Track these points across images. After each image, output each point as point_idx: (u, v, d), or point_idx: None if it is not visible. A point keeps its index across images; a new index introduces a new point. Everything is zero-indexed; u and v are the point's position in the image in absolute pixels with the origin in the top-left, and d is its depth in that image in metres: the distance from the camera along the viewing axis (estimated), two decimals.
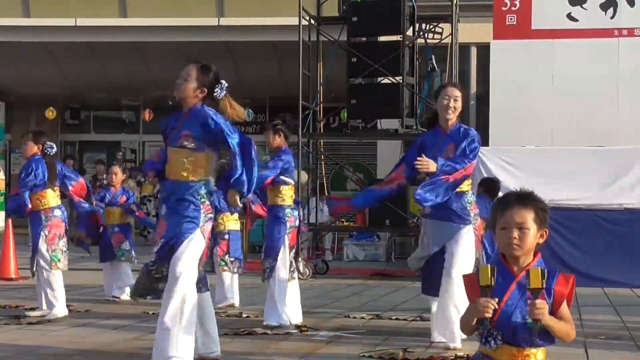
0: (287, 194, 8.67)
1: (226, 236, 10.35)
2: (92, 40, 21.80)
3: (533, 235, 3.98)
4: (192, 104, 6.18)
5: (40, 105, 24.74)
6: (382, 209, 14.66)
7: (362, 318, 9.20)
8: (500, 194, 9.68)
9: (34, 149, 9.45)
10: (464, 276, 4.22)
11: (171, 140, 6.26)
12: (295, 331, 8.18)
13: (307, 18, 15.33)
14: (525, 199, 4.03)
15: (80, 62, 22.91)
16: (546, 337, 3.91)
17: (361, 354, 6.98)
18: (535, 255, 4.03)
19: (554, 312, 3.90)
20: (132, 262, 11.07)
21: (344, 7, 15.80)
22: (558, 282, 3.94)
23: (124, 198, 11.25)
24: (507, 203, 4.05)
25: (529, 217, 3.97)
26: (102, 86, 24.62)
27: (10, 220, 12.95)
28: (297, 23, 14.92)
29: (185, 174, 6.12)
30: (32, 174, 9.28)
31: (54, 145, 9.69)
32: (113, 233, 10.95)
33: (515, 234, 3.97)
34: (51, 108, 23.57)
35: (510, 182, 12.40)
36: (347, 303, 10.76)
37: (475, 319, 3.91)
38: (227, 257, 10.33)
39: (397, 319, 9.16)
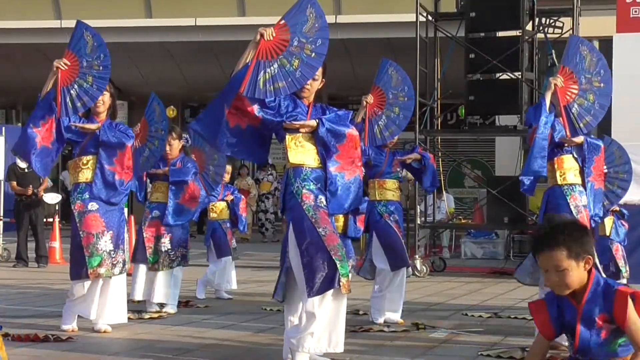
0: None
1: None
2: (211, 39, 22.11)
3: (574, 271, 3.82)
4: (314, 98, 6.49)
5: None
6: (501, 206, 14.50)
7: (480, 316, 9.09)
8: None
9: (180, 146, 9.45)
10: (530, 304, 4.08)
11: None
12: (412, 329, 8.14)
13: (424, 14, 15.24)
14: (552, 238, 3.83)
15: (199, 62, 23.28)
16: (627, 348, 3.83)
17: (479, 353, 6.90)
18: (589, 275, 3.87)
19: (622, 328, 3.79)
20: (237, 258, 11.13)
21: (462, 3, 15.65)
22: (616, 301, 3.79)
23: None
24: (536, 247, 3.89)
25: (562, 257, 3.80)
26: (221, 85, 24.79)
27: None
28: (414, 19, 14.84)
29: None
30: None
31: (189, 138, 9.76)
32: (227, 228, 10.89)
33: (556, 277, 3.83)
34: (172, 107, 23.96)
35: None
36: (464, 301, 10.66)
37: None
38: None
39: (515, 317, 9.02)
